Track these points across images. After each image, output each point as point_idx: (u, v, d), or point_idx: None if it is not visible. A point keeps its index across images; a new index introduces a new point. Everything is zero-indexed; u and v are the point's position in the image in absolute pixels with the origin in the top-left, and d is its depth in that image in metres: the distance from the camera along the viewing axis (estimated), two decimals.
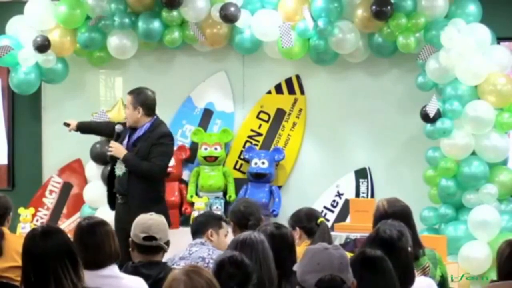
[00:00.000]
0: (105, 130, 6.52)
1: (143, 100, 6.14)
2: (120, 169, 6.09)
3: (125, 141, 6.13)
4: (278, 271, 3.73)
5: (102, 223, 3.97)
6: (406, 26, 6.71)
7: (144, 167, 6.04)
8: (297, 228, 4.95)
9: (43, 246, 3.31)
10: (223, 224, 4.91)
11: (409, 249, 4.03)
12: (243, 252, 3.65)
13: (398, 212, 4.41)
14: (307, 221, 4.88)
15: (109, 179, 6.20)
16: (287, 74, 7.48)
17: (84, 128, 6.55)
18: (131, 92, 6.21)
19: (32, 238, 3.38)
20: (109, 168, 6.32)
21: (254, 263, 3.64)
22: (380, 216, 4.43)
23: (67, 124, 6.52)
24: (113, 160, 6.15)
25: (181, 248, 4.81)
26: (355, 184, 7.35)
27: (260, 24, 7.05)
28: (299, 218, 4.95)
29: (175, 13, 7.03)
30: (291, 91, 7.47)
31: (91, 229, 3.91)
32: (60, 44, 7.25)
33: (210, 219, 4.93)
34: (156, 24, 7.09)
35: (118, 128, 6.21)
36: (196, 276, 2.88)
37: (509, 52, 6.74)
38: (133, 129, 6.16)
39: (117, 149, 6.11)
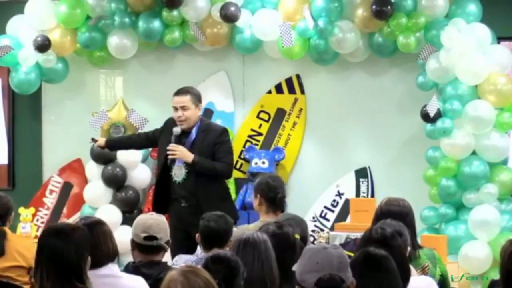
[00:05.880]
0: (136, 142, 6.35)
1: (199, 96, 6.11)
2: (179, 175, 5.93)
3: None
4: (279, 272, 3.72)
5: (99, 223, 3.97)
6: (406, 26, 6.71)
7: (219, 168, 5.94)
8: (258, 195, 5.02)
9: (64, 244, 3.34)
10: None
11: (408, 248, 4.04)
12: (246, 251, 3.65)
13: (395, 212, 4.42)
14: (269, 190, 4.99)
15: (161, 184, 6.02)
16: (287, 74, 7.48)
17: (113, 144, 6.36)
18: (185, 92, 6.04)
19: (49, 236, 3.39)
20: (158, 172, 6.13)
21: (257, 262, 3.64)
22: (378, 215, 4.45)
23: (94, 140, 6.33)
24: (165, 165, 5.95)
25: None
26: (355, 184, 7.35)
27: (261, 23, 7.05)
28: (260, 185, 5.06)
29: (175, 12, 7.03)
30: (291, 90, 7.47)
31: (88, 229, 3.92)
32: (61, 43, 7.25)
33: (228, 230, 4.57)
34: (156, 24, 7.09)
35: (177, 130, 5.98)
36: (193, 276, 2.87)
37: (509, 52, 6.73)
38: (182, 132, 5.99)
39: (182, 152, 5.90)
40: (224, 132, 6.11)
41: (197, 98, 6.06)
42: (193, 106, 6.01)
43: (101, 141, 6.35)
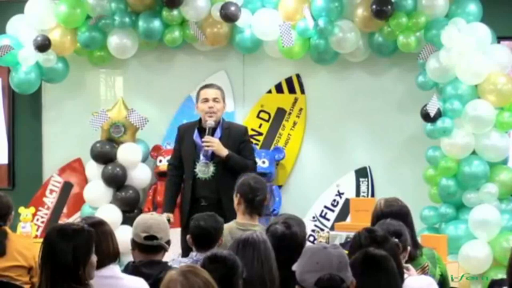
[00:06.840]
0: (179, 188, 6.25)
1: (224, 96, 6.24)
2: (206, 172, 5.96)
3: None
4: (286, 271, 3.71)
5: (100, 223, 3.97)
6: (406, 26, 6.71)
7: (250, 165, 5.99)
8: (238, 195, 4.99)
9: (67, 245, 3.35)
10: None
11: (409, 248, 4.04)
12: (245, 251, 3.65)
13: (394, 212, 4.42)
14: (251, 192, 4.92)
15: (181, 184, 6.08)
16: (288, 74, 7.48)
17: (175, 205, 6.27)
18: (216, 86, 6.19)
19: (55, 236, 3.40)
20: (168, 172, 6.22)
21: (256, 262, 3.64)
22: (377, 216, 4.45)
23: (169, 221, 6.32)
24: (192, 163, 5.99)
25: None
26: (355, 184, 7.35)
27: (261, 23, 7.05)
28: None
29: (175, 12, 7.03)
30: (292, 90, 7.47)
31: None
32: (61, 43, 7.25)
33: (218, 229, 4.62)
34: (156, 23, 7.09)
35: (210, 123, 6.03)
36: (193, 276, 2.87)
37: (509, 52, 6.72)
38: (203, 129, 6.06)
39: (218, 145, 5.94)
40: (247, 130, 6.33)
41: (224, 96, 6.25)
42: (222, 101, 6.19)
43: (170, 216, 6.15)
